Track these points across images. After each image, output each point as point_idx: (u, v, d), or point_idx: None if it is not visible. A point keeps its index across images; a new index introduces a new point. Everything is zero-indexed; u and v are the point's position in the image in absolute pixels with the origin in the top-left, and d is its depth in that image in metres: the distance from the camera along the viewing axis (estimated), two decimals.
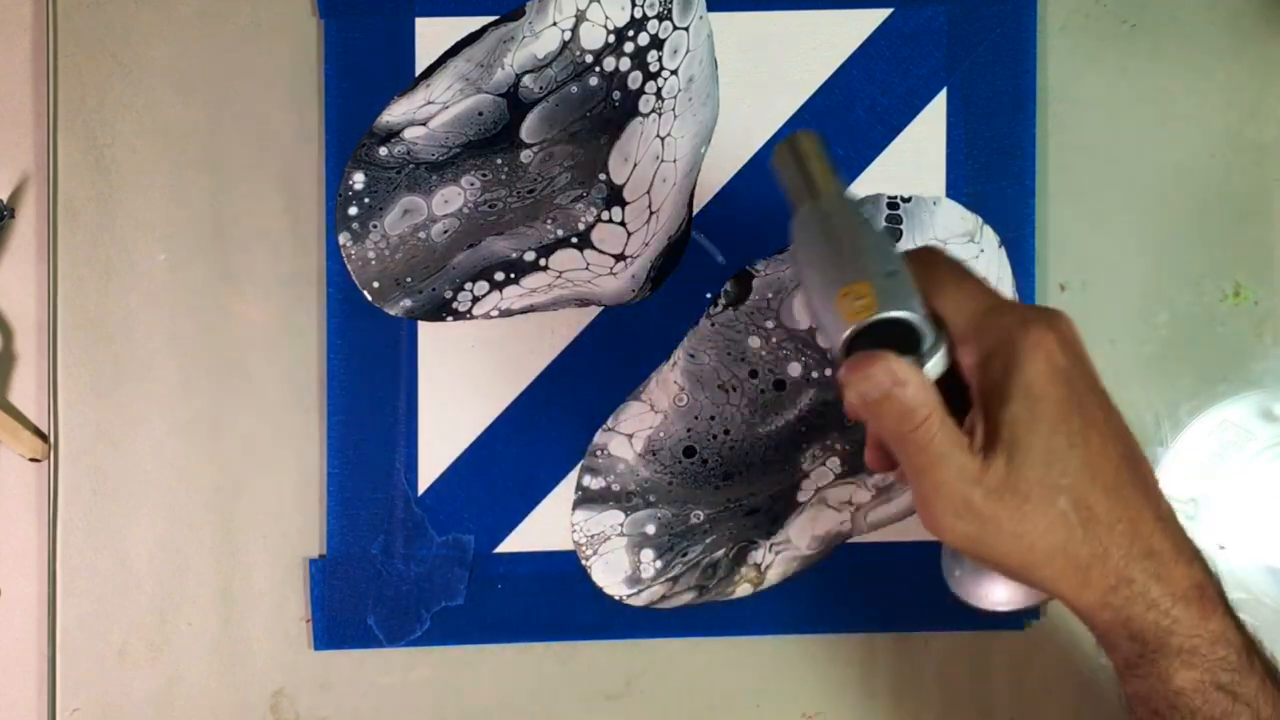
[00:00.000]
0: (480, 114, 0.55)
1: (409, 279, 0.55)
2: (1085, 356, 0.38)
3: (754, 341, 0.56)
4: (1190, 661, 0.36)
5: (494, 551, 0.56)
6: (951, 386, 0.38)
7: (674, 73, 0.56)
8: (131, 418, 0.55)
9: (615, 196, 0.56)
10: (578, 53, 0.55)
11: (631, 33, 0.55)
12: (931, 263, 0.40)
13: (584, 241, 0.56)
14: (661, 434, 0.56)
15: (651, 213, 0.56)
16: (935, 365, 0.37)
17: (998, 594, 0.40)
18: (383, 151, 0.55)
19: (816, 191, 0.40)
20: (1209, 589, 0.37)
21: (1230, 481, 0.57)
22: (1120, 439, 0.38)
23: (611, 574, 0.55)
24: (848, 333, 0.36)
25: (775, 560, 0.56)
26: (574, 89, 0.55)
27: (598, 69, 0.55)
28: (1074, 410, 0.37)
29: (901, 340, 0.36)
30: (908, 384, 0.36)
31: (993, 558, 0.37)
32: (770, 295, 0.56)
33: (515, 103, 0.55)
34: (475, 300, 0.56)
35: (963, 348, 0.38)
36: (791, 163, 0.41)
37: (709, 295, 0.56)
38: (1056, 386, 0.36)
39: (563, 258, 0.56)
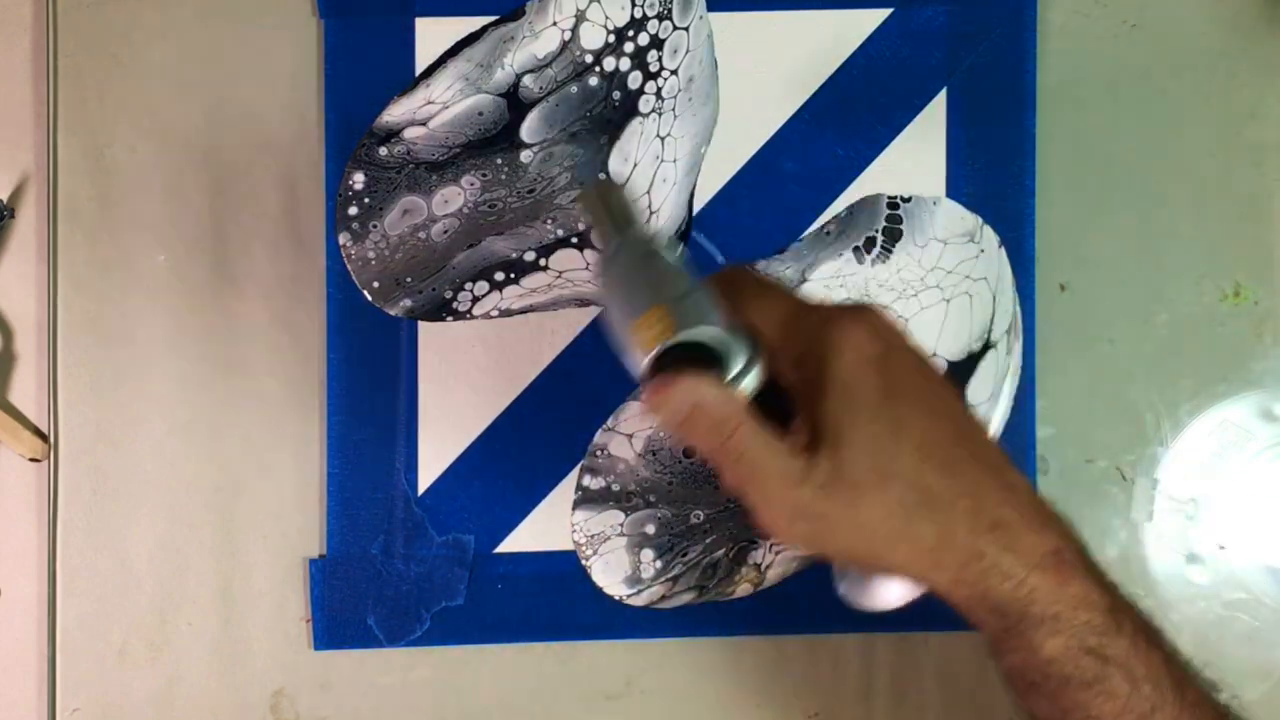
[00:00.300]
0: (480, 114, 0.55)
1: (409, 279, 0.55)
2: (902, 343, 0.38)
3: None
4: (1055, 629, 0.36)
5: (494, 551, 0.56)
6: (781, 397, 0.38)
7: (674, 73, 0.56)
8: (131, 418, 0.55)
9: None
10: (578, 53, 0.55)
11: (631, 33, 0.55)
12: (736, 279, 0.40)
13: (584, 241, 0.56)
14: (661, 434, 0.56)
15: (651, 213, 0.56)
16: (752, 378, 0.38)
17: (888, 592, 0.39)
18: (383, 151, 0.55)
19: (614, 232, 0.41)
20: (1066, 553, 0.37)
21: (1230, 481, 0.57)
22: (951, 416, 0.38)
23: (611, 574, 0.55)
24: (647, 361, 0.36)
25: (775, 560, 0.56)
26: (574, 89, 0.55)
27: (598, 69, 0.55)
28: (894, 395, 0.37)
29: (708, 361, 0.37)
30: (708, 400, 0.36)
31: (839, 553, 0.37)
32: None
33: (515, 103, 0.55)
34: (475, 300, 0.56)
35: (777, 355, 0.38)
36: (593, 207, 0.42)
37: None
38: (870, 375, 0.37)
39: (563, 258, 0.56)
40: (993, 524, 0.36)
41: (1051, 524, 0.38)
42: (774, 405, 0.38)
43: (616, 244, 0.40)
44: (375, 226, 0.55)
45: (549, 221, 0.56)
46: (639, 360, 0.37)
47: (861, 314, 0.38)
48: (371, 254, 0.55)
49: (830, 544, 0.37)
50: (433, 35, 0.55)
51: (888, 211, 0.56)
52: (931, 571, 0.37)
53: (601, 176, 0.44)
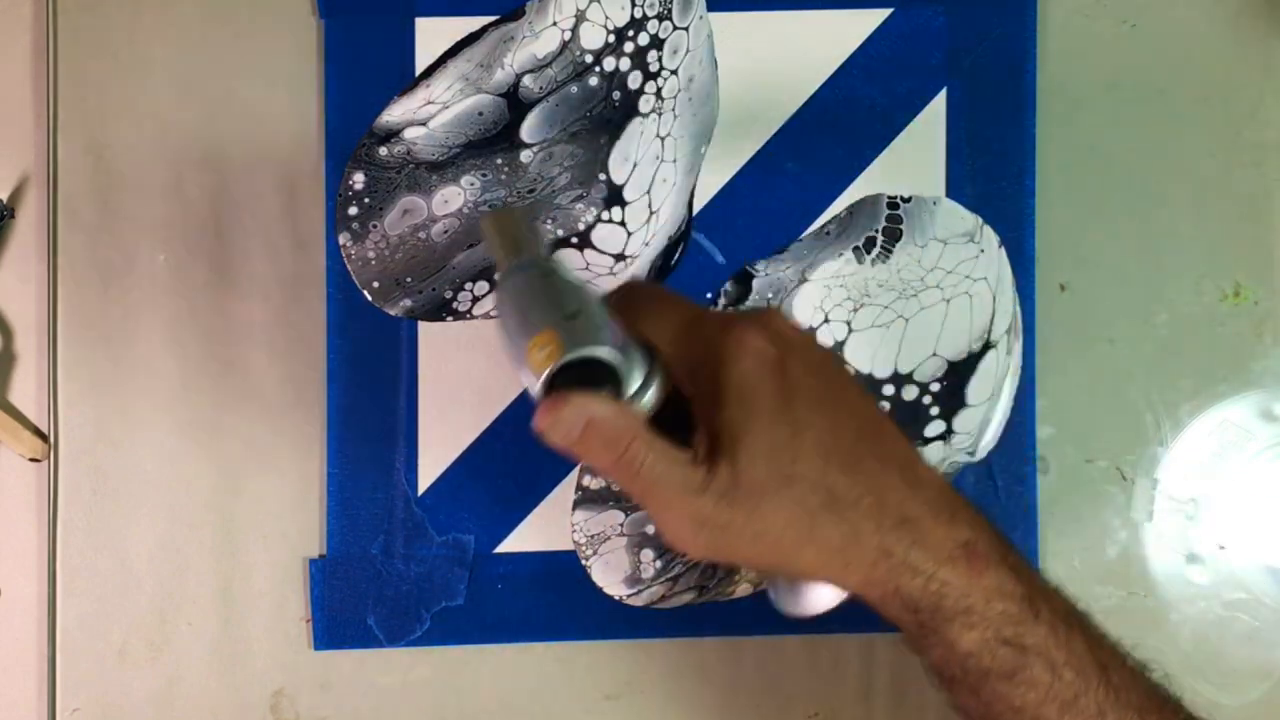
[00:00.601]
0: (480, 114, 0.55)
1: (409, 279, 0.55)
2: (803, 344, 0.38)
3: None
4: (970, 622, 0.36)
5: (494, 551, 0.56)
6: (684, 409, 0.38)
7: (674, 73, 0.56)
8: (131, 418, 0.55)
9: (615, 196, 0.56)
10: (578, 53, 0.55)
11: (631, 33, 0.55)
12: (631, 293, 0.40)
13: (584, 241, 0.56)
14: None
15: (651, 213, 0.56)
16: (650, 393, 0.37)
17: (816, 597, 0.39)
18: (383, 151, 0.55)
19: (507, 257, 0.41)
20: (978, 544, 0.37)
21: (1230, 481, 0.57)
22: (854, 414, 0.38)
23: (611, 574, 0.55)
24: (540, 382, 0.36)
25: None
26: (574, 89, 0.55)
27: (598, 69, 0.55)
28: (793, 398, 0.36)
29: (604, 378, 0.36)
30: (600, 416, 0.36)
31: (747, 561, 0.37)
32: (770, 295, 0.56)
33: (515, 103, 0.55)
34: (475, 300, 0.56)
35: (675, 366, 0.38)
36: (490, 233, 0.42)
37: (709, 295, 0.56)
38: (767, 379, 0.36)
39: (563, 258, 0.56)
40: (899, 520, 0.36)
41: (962, 516, 0.37)
42: (678, 418, 0.38)
43: (509, 268, 0.40)
44: (375, 226, 0.55)
45: (549, 221, 0.56)
46: (533, 381, 0.36)
47: (758, 319, 0.38)
48: (371, 254, 0.55)
49: (737, 553, 0.37)
50: (433, 35, 0.55)
51: (888, 211, 0.56)
52: (842, 573, 0.37)
53: (499, 204, 0.45)
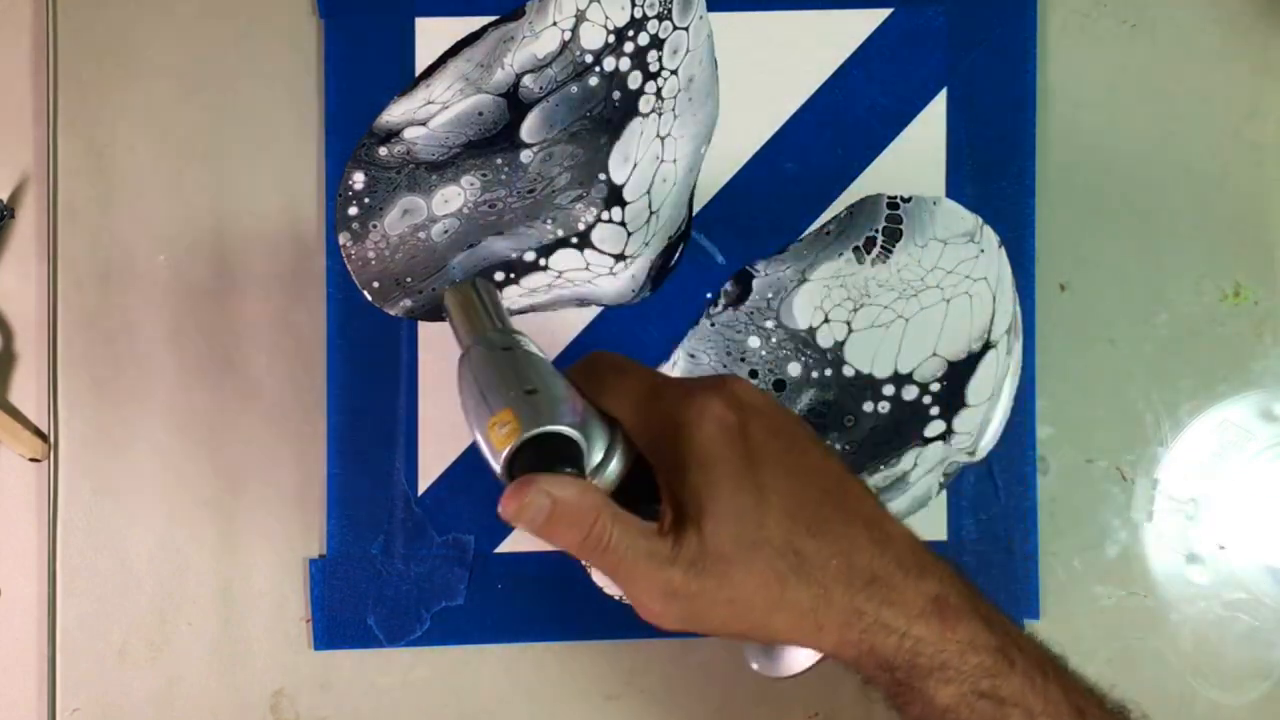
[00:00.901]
0: (480, 114, 0.55)
1: (409, 279, 0.55)
2: (764, 407, 0.38)
3: (754, 341, 0.56)
4: (946, 677, 0.36)
5: (494, 551, 0.56)
6: (648, 480, 0.38)
7: (674, 73, 0.56)
8: (131, 418, 0.55)
9: (615, 196, 0.56)
10: (578, 53, 0.55)
11: (631, 33, 0.55)
12: (591, 366, 0.40)
13: (584, 241, 0.56)
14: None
15: (651, 213, 0.56)
16: (614, 466, 0.37)
17: (793, 659, 0.39)
18: (383, 151, 0.55)
19: (469, 332, 0.40)
20: (949, 598, 0.37)
21: (1230, 481, 0.57)
22: (817, 475, 0.37)
23: None
24: (501, 462, 0.36)
25: None
26: (574, 89, 0.55)
27: (598, 69, 0.55)
28: (755, 462, 0.36)
29: (565, 455, 0.36)
30: (564, 497, 0.35)
31: (719, 629, 0.37)
32: (770, 295, 0.56)
33: (515, 103, 0.55)
34: None
35: (638, 437, 0.38)
36: (450, 308, 0.42)
37: (709, 295, 0.56)
38: (728, 445, 0.36)
39: (563, 258, 0.56)
40: (869, 580, 0.36)
41: (931, 570, 0.37)
42: (643, 490, 0.38)
43: (470, 343, 0.40)
44: (375, 226, 0.55)
45: (549, 221, 0.56)
46: (494, 460, 0.36)
47: (718, 386, 0.38)
48: (371, 254, 0.55)
49: (708, 621, 0.37)
50: (433, 35, 0.55)
51: (888, 211, 0.56)
52: (815, 635, 0.36)
53: (464, 280, 0.45)
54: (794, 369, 0.56)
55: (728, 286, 0.56)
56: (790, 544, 0.36)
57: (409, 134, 0.55)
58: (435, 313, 0.55)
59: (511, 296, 0.56)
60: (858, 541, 0.36)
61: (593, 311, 0.56)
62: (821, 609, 0.36)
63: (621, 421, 0.38)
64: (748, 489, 0.36)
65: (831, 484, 0.38)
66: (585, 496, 0.36)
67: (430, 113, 0.55)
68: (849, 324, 0.56)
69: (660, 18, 0.55)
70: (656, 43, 0.56)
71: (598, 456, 0.37)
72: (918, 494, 0.56)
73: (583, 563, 0.41)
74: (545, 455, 0.36)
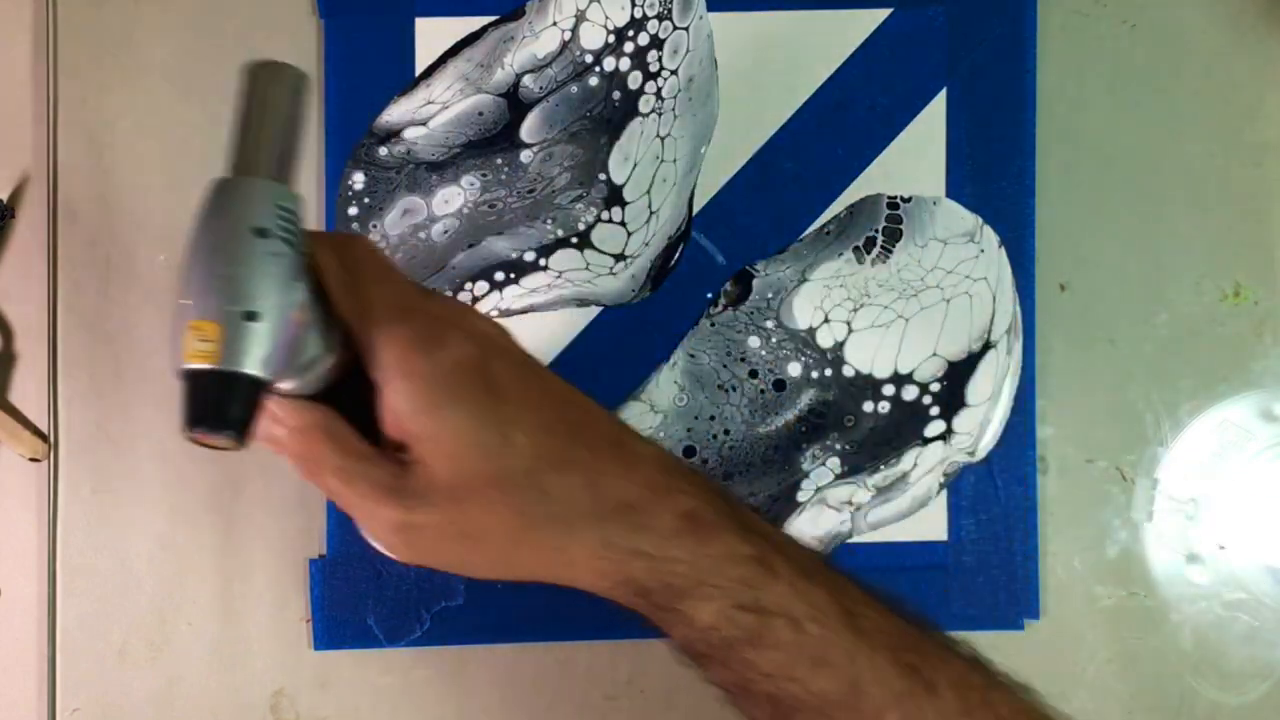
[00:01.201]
0: (480, 114, 0.55)
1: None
2: (501, 340, 0.36)
3: (754, 341, 0.56)
4: (704, 594, 0.34)
5: None
6: (370, 403, 0.35)
7: (674, 73, 0.56)
8: (131, 418, 0.55)
9: (615, 196, 0.56)
10: (578, 53, 0.55)
11: (631, 33, 0.55)
12: (348, 260, 0.35)
13: (584, 241, 0.56)
14: (661, 434, 0.56)
15: (651, 213, 0.56)
16: (319, 375, 0.34)
17: None
18: (383, 151, 0.55)
19: (243, 162, 0.35)
20: (703, 512, 0.35)
21: (1230, 481, 0.57)
22: (561, 408, 0.36)
23: None
24: (179, 369, 0.31)
25: None
26: (574, 89, 0.55)
27: (598, 69, 0.55)
28: (498, 398, 0.34)
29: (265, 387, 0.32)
30: (275, 412, 0.34)
31: (460, 566, 0.35)
32: (770, 295, 0.56)
33: (515, 103, 0.55)
34: (475, 300, 0.55)
35: (374, 360, 0.34)
36: (246, 103, 0.35)
37: (709, 295, 0.56)
38: (466, 378, 0.34)
39: (563, 258, 0.56)
40: (618, 507, 0.34)
41: (681, 486, 0.36)
42: (367, 414, 0.35)
43: (235, 177, 0.34)
44: (375, 226, 0.55)
45: (549, 221, 0.56)
46: (175, 360, 0.31)
47: (456, 318, 0.36)
48: None
49: (444, 556, 0.35)
50: (433, 35, 0.55)
51: (888, 211, 0.56)
52: (568, 570, 0.35)
53: (291, 68, 0.36)
54: (794, 369, 0.56)
55: (728, 286, 0.56)
56: (533, 479, 0.34)
57: (409, 134, 0.55)
58: None
59: (511, 297, 0.56)
60: (604, 470, 0.35)
61: (593, 311, 0.56)
62: (570, 544, 0.34)
63: (358, 336, 0.35)
64: (489, 424, 0.34)
65: (576, 415, 0.36)
66: (302, 414, 0.34)
67: (430, 113, 0.55)
68: (849, 324, 0.56)
69: (660, 18, 0.55)
70: (656, 43, 0.56)
71: (320, 369, 0.34)
72: (918, 494, 0.56)
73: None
74: (241, 384, 0.31)
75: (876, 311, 0.56)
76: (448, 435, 0.34)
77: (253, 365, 0.31)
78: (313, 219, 0.56)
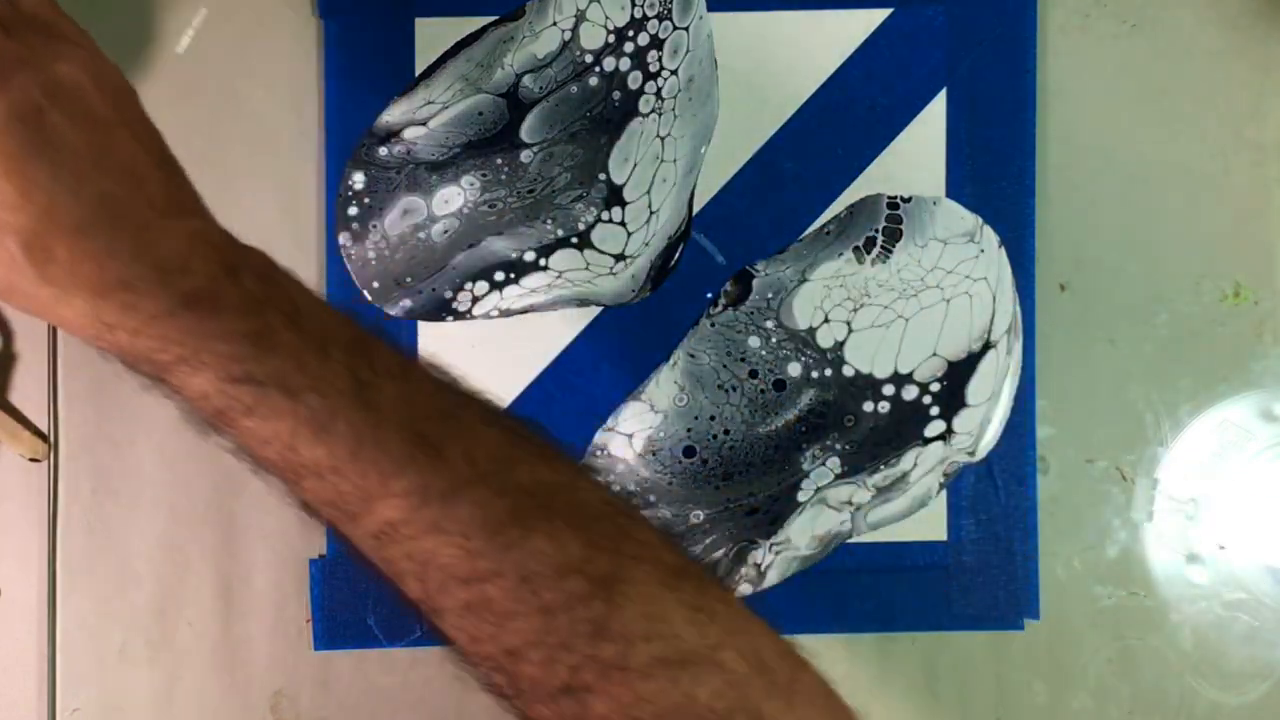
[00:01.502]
0: (480, 114, 0.55)
1: (409, 279, 0.55)
2: (84, 92, 0.36)
3: (754, 341, 0.56)
4: (189, 368, 0.36)
5: None
6: None
7: (674, 73, 0.56)
8: (131, 418, 0.55)
9: (615, 196, 0.56)
10: (578, 53, 0.55)
11: (631, 33, 0.55)
12: None
13: (584, 241, 0.56)
14: (661, 434, 0.56)
15: (651, 213, 0.56)
16: None
17: None
18: (383, 151, 0.55)
19: None
20: (207, 293, 0.36)
21: (1230, 481, 0.57)
22: (112, 175, 0.36)
23: None
24: None
25: (775, 560, 0.56)
26: (574, 89, 0.55)
27: (598, 69, 0.55)
28: (35, 152, 0.34)
29: None
30: None
31: None
32: (770, 295, 0.56)
33: (515, 103, 0.55)
34: (475, 300, 0.56)
35: None
36: None
37: (709, 295, 0.56)
38: (15, 126, 0.34)
39: (563, 258, 0.56)
40: (116, 285, 0.35)
41: (197, 266, 0.36)
42: None
43: None
44: (375, 226, 0.55)
45: (549, 221, 0.56)
46: None
47: (42, 63, 0.36)
48: (371, 254, 0.55)
49: None
50: (433, 35, 0.55)
51: (888, 211, 0.56)
52: (61, 325, 0.37)
53: None
54: (794, 369, 0.56)
55: (728, 286, 0.56)
56: (42, 241, 0.35)
57: (409, 134, 0.55)
58: (435, 313, 0.55)
59: (511, 297, 0.56)
60: (118, 249, 0.35)
61: (593, 311, 0.56)
62: (62, 309, 0.36)
63: None
64: (14, 176, 0.34)
65: (126, 185, 0.36)
66: None
67: (430, 113, 0.55)
68: (849, 324, 0.56)
69: (660, 18, 0.55)
70: (656, 43, 0.56)
71: None
72: (918, 494, 0.56)
73: None
74: None
75: (876, 311, 0.56)
76: None
77: None
78: (313, 219, 0.56)
